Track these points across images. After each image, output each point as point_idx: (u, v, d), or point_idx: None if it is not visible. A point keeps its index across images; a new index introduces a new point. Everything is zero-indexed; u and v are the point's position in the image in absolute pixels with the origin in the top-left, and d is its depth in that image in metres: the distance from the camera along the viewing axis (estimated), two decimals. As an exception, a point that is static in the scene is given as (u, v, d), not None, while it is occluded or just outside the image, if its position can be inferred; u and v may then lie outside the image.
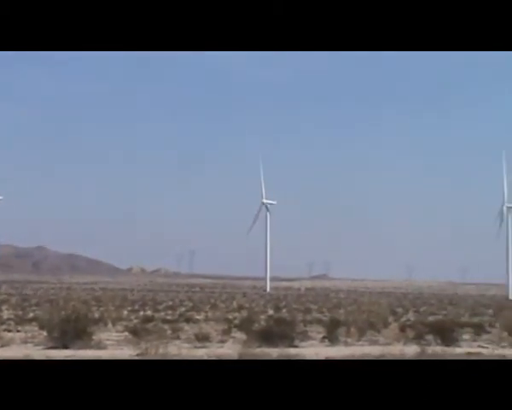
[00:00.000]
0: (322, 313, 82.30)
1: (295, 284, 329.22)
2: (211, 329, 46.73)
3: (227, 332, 44.94)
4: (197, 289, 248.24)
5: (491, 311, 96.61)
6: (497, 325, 57.85)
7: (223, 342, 39.38)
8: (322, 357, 26.80)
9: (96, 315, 62.46)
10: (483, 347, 36.58)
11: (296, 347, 34.53)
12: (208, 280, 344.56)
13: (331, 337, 40.45)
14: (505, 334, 47.22)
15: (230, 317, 65.59)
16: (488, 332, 50.09)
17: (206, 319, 62.97)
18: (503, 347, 37.50)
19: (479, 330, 48.81)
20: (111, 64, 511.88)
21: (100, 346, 33.87)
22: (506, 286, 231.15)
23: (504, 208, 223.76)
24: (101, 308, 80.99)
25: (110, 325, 53.03)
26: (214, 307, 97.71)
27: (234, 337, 41.87)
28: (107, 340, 38.12)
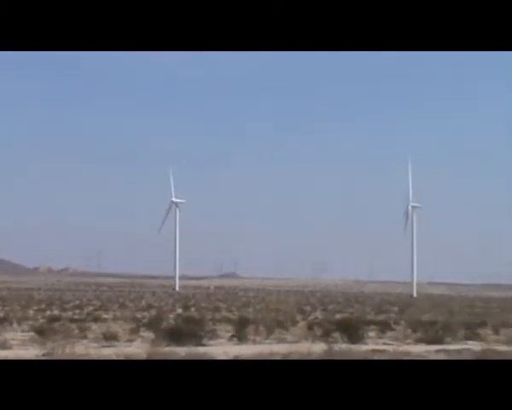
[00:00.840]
0: (230, 311, 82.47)
1: (204, 283, 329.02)
2: (119, 328, 46.38)
3: (135, 331, 44.66)
4: (105, 288, 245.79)
5: (396, 309, 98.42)
6: (402, 322, 59.04)
7: (131, 341, 39.12)
8: (230, 356, 26.91)
9: (1, 315, 61.28)
10: (388, 344, 37.26)
11: (205, 345, 34.56)
12: (117, 279, 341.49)
13: (240, 336, 40.62)
14: (409, 331, 48.23)
15: (139, 316, 65.20)
16: (393, 330, 51.04)
17: (115, 319, 62.43)
18: (408, 344, 38.26)
19: (384, 327, 49.69)
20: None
21: (5, 346, 33.25)
22: (411, 284, 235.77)
23: (409, 208, 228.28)
24: (6, 308, 79.48)
25: (15, 324, 52.11)
26: (122, 306, 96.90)
27: (142, 336, 41.65)
28: (13, 340, 37.45)
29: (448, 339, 40.41)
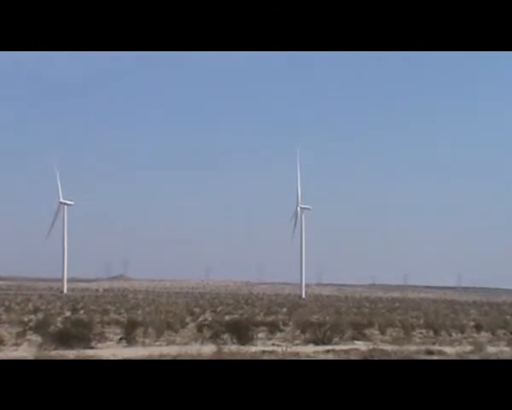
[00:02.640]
0: (119, 314, 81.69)
1: (93, 286, 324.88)
2: (5, 332, 45.36)
3: (22, 335, 43.74)
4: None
5: (285, 310, 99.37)
6: (291, 323, 59.68)
7: (18, 345, 38.31)
8: (119, 358, 26.66)
9: None
10: (277, 345, 37.58)
11: (93, 348, 34.16)
12: (2, 282, 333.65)
13: (129, 338, 40.30)
14: (298, 332, 48.79)
15: (26, 319, 63.88)
16: (282, 330, 51.53)
17: (0, 322, 61.03)
18: (297, 344, 38.68)
19: (273, 328, 50.11)
20: None
21: None
22: (300, 286, 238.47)
23: (298, 209, 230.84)
24: None
25: None
26: (9, 309, 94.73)
27: (29, 340, 40.85)
28: None
29: (336, 339, 41.03)
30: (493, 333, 53.19)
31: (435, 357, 31.35)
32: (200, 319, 69.53)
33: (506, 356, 30.99)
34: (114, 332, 46.09)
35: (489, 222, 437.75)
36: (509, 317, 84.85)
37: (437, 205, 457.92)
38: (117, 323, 54.97)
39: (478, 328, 57.48)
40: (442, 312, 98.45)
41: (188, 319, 66.13)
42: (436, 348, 35.94)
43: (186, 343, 38.17)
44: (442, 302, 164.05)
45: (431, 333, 52.11)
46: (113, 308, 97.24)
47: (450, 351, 33.93)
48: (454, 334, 52.28)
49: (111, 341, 40.85)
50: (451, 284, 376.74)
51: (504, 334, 52.88)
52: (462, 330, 55.58)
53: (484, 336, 51.57)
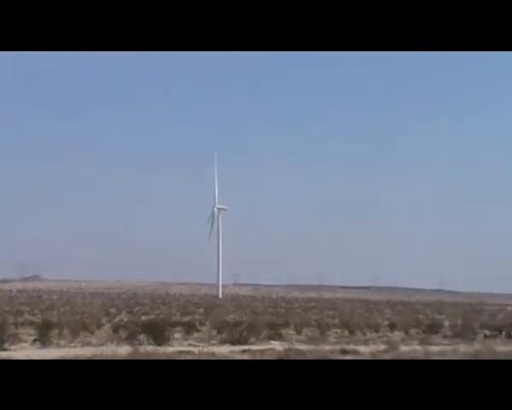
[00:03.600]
0: (34, 315, 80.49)
1: (6, 286, 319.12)
2: None
3: None
4: None
5: (201, 310, 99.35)
6: (208, 323, 59.72)
7: None
8: (33, 359, 26.29)
9: None
10: (194, 345, 37.57)
11: (7, 350, 33.60)
12: None
13: (43, 340, 39.76)
14: (215, 332, 48.87)
15: None
16: (199, 331, 51.54)
17: None
18: (213, 345, 38.74)
19: (190, 328, 50.07)
20: None
21: None
22: (216, 286, 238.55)
23: (215, 209, 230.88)
24: None
25: None
26: None
27: None
28: None
29: (252, 339, 41.22)
30: (406, 332, 54.14)
31: (349, 356, 31.78)
32: (117, 319, 68.99)
33: (418, 355, 31.59)
34: (28, 333, 45.40)
35: (402, 222, 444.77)
36: (421, 316, 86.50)
37: (351, 204, 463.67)
38: (31, 324, 54.17)
39: (392, 327, 58.43)
40: (357, 311, 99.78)
41: (104, 319, 65.55)
42: (351, 347, 36.42)
43: (102, 344, 37.85)
44: (357, 302, 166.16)
45: (346, 333, 52.76)
46: (28, 309, 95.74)
47: (365, 350, 34.42)
48: (368, 333, 53.04)
49: (25, 342, 40.25)
50: (366, 283, 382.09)
51: (417, 333, 53.88)
52: (376, 329, 56.43)
53: (397, 335, 52.45)
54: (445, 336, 50.75)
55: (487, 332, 53.16)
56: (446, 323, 64.54)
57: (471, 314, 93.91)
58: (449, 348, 37.87)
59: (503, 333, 52.55)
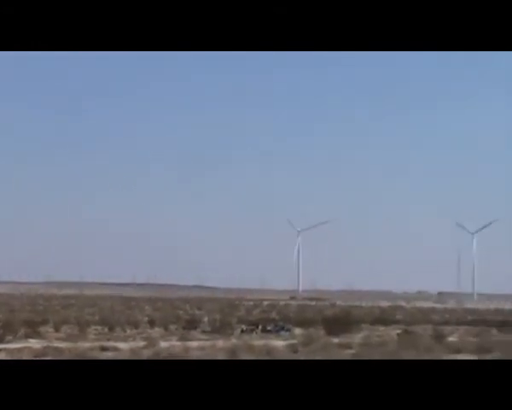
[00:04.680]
0: None
1: None
2: None
3: None
4: None
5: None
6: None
7: None
8: None
9: None
10: None
11: None
12: None
13: None
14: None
15: None
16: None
17: None
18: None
19: None
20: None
21: None
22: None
23: None
24: None
25: None
26: None
27: None
28: None
29: (9, 338, 40.18)
30: (166, 328, 54.69)
31: (109, 353, 31.77)
32: None
33: (176, 351, 32.05)
34: None
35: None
36: (181, 312, 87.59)
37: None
38: None
39: (151, 324, 58.82)
40: (117, 308, 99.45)
41: None
42: (111, 344, 36.39)
43: None
44: (118, 299, 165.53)
45: (106, 330, 52.52)
46: None
47: (124, 347, 34.53)
48: (129, 330, 53.08)
49: None
50: (127, 280, 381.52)
51: (176, 329, 54.57)
52: (136, 326, 56.58)
53: (157, 331, 52.87)
54: (203, 332, 51.74)
55: (244, 327, 54.74)
56: (205, 318, 65.81)
57: (229, 310, 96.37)
58: (208, 343, 38.77)
59: (259, 327, 54.36)
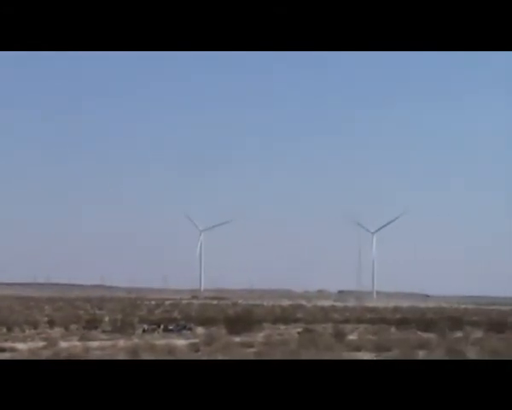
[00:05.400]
0: None
1: None
2: None
3: None
4: None
5: None
6: None
7: None
8: None
9: None
10: None
11: None
12: None
13: None
14: None
15: None
16: None
17: None
18: None
19: None
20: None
21: None
22: None
23: None
24: None
25: None
26: None
27: None
28: None
29: None
30: (66, 328, 54.03)
31: (8, 354, 31.23)
32: None
33: (77, 351, 31.70)
34: None
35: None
36: (82, 312, 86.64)
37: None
38: None
39: (51, 324, 58.04)
40: (16, 308, 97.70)
41: None
42: (9, 344, 35.78)
43: None
44: (17, 299, 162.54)
45: (4, 330, 51.57)
46: None
47: (23, 347, 33.99)
48: (28, 330, 52.24)
49: None
50: (27, 280, 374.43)
51: (77, 329, 53.97)
52: (35, 326, 55.74)
53: (57, 331, 52.20)
54: (104, 331, 51.31)
55: (146, 326, 54.51)
56: (106, 318, 65.23)
57: (130, 309, 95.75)
58: (108, 343, 38.46)
59: (161, 327, 54.21)
